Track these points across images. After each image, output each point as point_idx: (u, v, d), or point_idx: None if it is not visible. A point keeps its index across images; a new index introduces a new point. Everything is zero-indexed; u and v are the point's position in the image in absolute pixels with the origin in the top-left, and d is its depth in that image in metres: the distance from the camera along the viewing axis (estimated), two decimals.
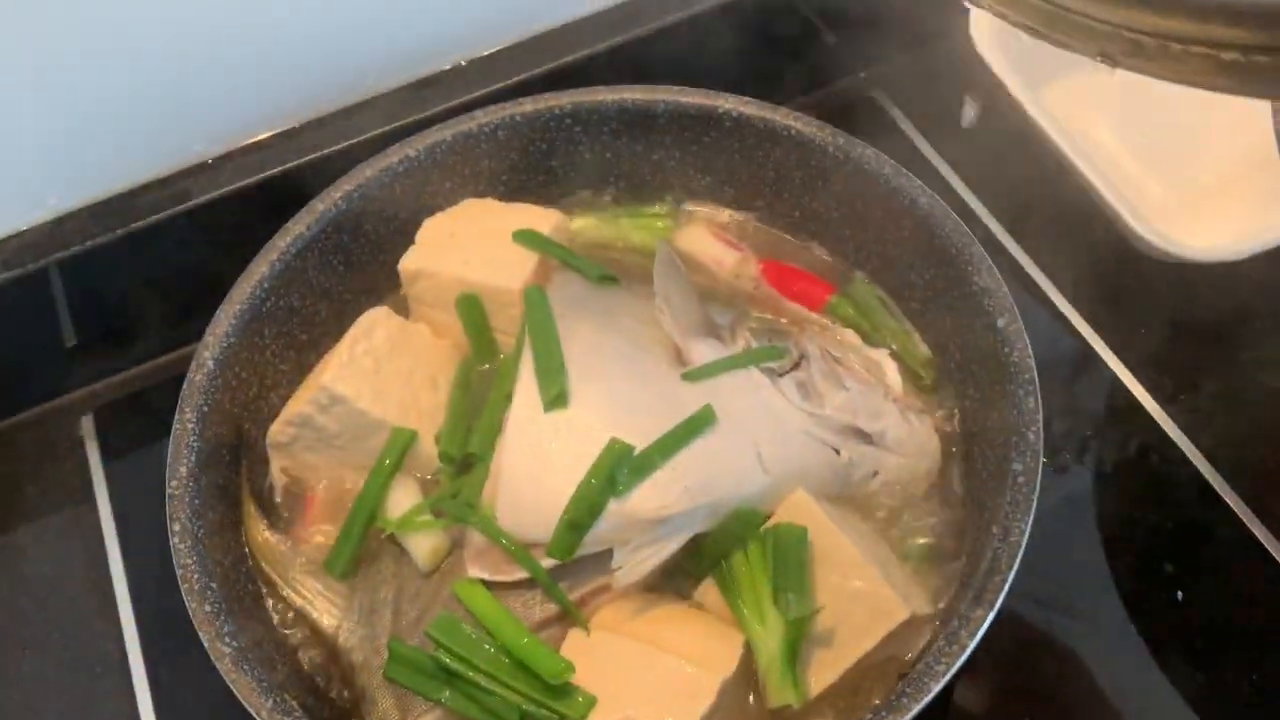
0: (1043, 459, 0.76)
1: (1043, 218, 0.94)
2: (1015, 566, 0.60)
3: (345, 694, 0.67)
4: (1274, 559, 0.76)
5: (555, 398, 0.67)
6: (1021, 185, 0.94)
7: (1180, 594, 0.75)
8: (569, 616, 0.66)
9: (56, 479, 0.88)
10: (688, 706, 0.61)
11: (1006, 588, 0.59)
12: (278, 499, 0.74)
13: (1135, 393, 0.85)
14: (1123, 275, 0.89)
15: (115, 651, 0.80)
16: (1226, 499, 0.79)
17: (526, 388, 0.68)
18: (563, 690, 0.62)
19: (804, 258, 0.83)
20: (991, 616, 0.58)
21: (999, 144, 0.94)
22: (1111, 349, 0.87)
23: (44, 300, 0.88)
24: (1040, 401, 0.65)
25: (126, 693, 0.78)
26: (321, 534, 0.73)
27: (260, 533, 0.72)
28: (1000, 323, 0.68)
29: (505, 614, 0.65)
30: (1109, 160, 0.93)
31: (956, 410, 0.74)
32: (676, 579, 0.68)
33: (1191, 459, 0.81)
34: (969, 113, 0.57)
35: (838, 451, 0.69)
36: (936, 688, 0.56)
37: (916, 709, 0.56)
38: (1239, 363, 0.86)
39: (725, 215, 0.85)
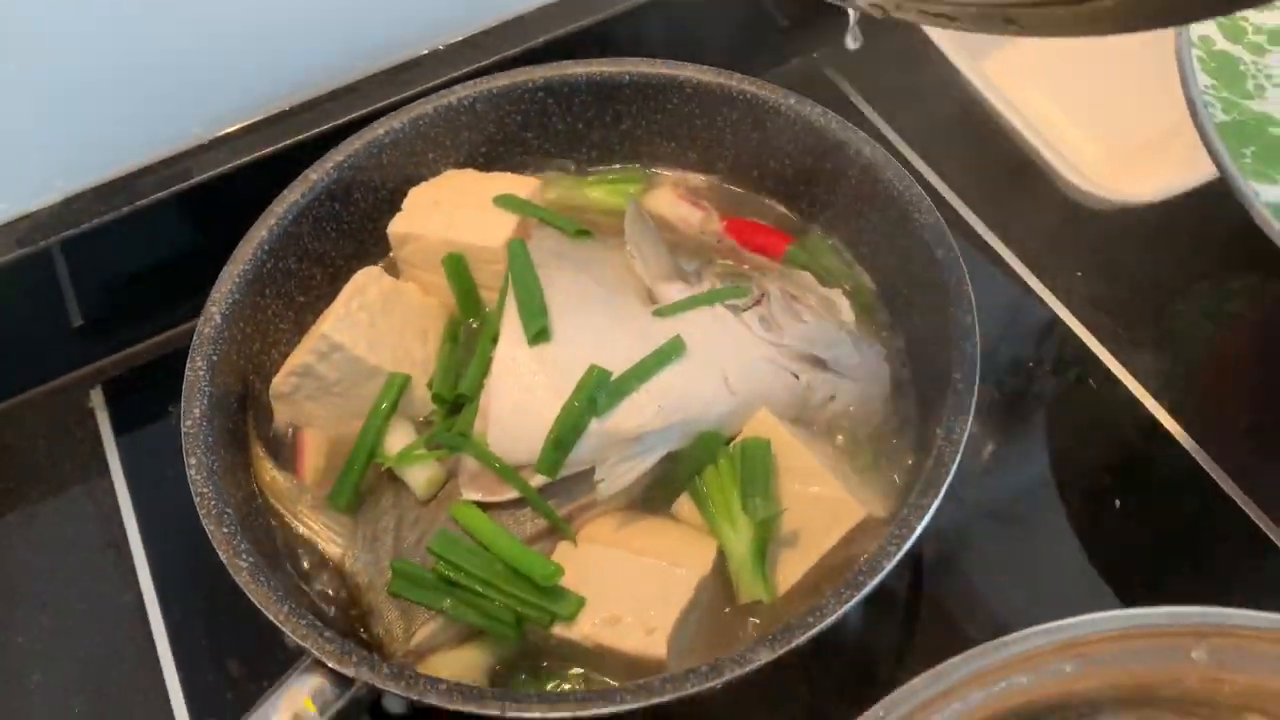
0: (993, 390, 0.84)
1: (986, 178, 1.01)
2: (958, 459, 0.66)
3: (352, 612, 0.73)
4: (1202, 469, 0.83)
5: (538, 333, 0.73)
6: (966, 150, 1.02)
7: (1118, 502, 0.82)
8: (558, 531, 0.72)
9: (69, 448, 0.93)
10: (668, 602, 0.67)
11: (950, 477, 0.65)
12: (283, 445, 0.80)
13: (1075, 329, 0.91)
14: (1061, 225, 0.96)
15: (133, 602, 0.85)
16: (1162, 421, 0.86)
17: (511, 327, 0.74)
18: (554, 593, 0.68)
19: (764, 214, 0.89)
20: (937, 503, 0.65)
21: (946, 114, 1.02)
22: (1051, 291, 0.94)
23: (50, 281, 0.94)
24: (976, 319, 0.72)
25: (146, 640, 0.83)
26: (324, 476, 0.79)
27: (268, 472, 0.77)
28: (939, 253, 0.75)
29: (499, 529, 0.71)
30: (1046, 122, 1.00)
31: (904, 339, 0.80)
32: (655, 497, 0.74)
33: (1125, 383, 0.87)
34: (850, 41, 0.64)
35: (797, 376, 0.76)
36: (889, 565, 0.62)
37: (873, 583, 0.62)
38: (1170, 300, 0.93)
39: (690, 179, 0.91)
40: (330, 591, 0.74)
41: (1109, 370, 0.89)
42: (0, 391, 0.96)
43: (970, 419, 0.68)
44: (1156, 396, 0.87)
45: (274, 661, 0.70)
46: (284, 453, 0.80)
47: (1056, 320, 0.92)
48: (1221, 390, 0.89)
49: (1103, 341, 0.89)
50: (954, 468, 0.66)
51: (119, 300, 0.97)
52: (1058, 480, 0.84)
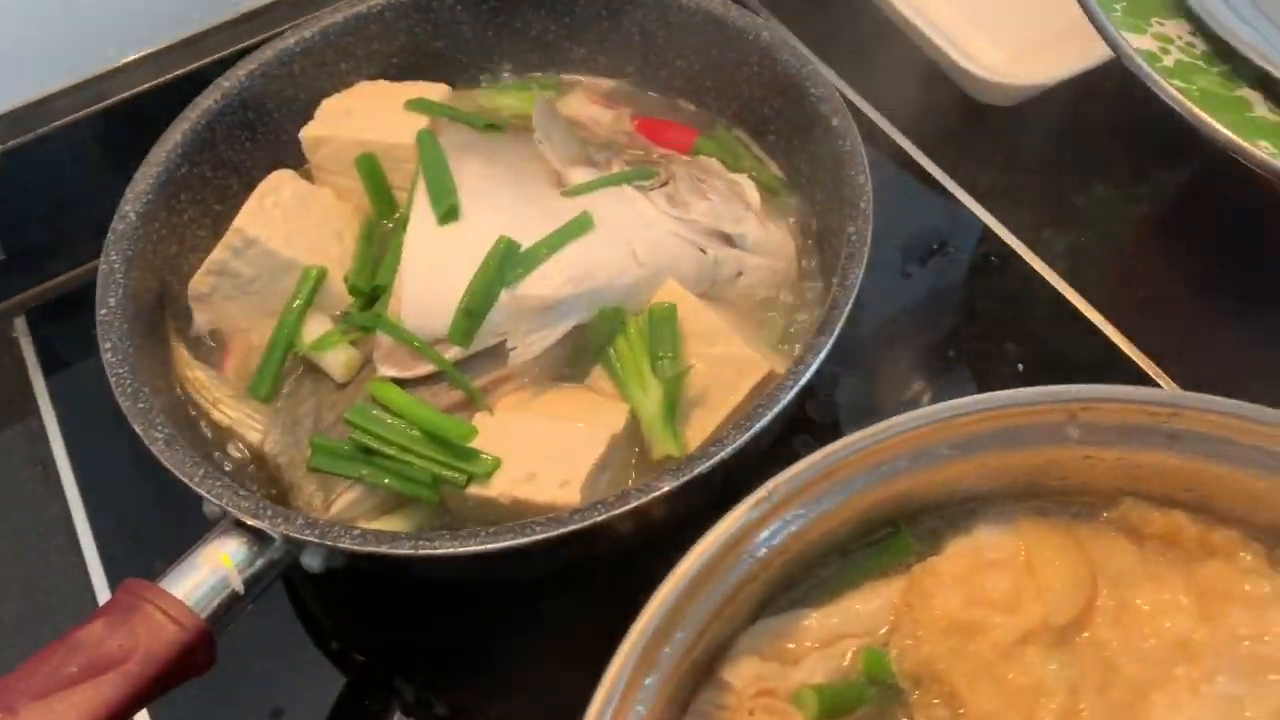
0: (904, 277, 0.87)
1: (893, 81, 1.04)
2: (850, 303, 0.68)
3: (272, 491, 0.74)
4: (1102, 332, 0.86)
5: (447, 211, 0.74)
6: (875, 58, 1.05)
7: (1020, 366, 0.85)
8: (473, 402, 0.73)
9: None
10: (581, 457, 0.69)
11: (844, 319, 0.68)
12: (204, 347, 0.81)
13: (978, 213, 0.95)
14: (965, 122, 1.00)
15: (59, 514, 0.85)
16: (1062, 290, 0.89)
17: (421, 209, 0.76)
18: (470, 454, 0.69)
19: (676, 113, 0.92)
20: (831, 342, 0.67)
21: (850, 21, 1.06)
22: (958, 183, 0.97)
23: None
24: (869, 177, 0.74)
25: (74, 551, 0.83)
26: (246, 372, 0.80)
27: (190, 369, 0.78)
28: (835, 122, 0.78)
29: (414, 400, 0.72)
30: (947, 23, 1.03)
31: (809, 218, 0.83)
32: (568, 372, 0.76)
33: (1027, 259, 0.91)
34: None
35: (704, 251, 0.78)
36: (786, 398, 0.64)
37: (771, 414, 0.64)
38: (1070, 186, 0.96)
39: (603, 84, 0.94)
40: (250, 476, 0.75)
41: (1014, 251, 0.92)
42: None
43: (863, 268, 0.70)
44: (1061, 272, 0.90)
45: None
46: (206, 355, 0.81)
47: (963, 209, 0.95)
48: (1120, 264, 0.93)
49: (1008, 226, 0.92)
50: (846, 311, 0.68)
51: (38, 231, 0.97)
52: (967, 350, 0.87)
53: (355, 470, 0.71)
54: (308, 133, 0.85)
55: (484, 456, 0.69)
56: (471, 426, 0.69)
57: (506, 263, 0.72)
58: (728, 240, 0.79)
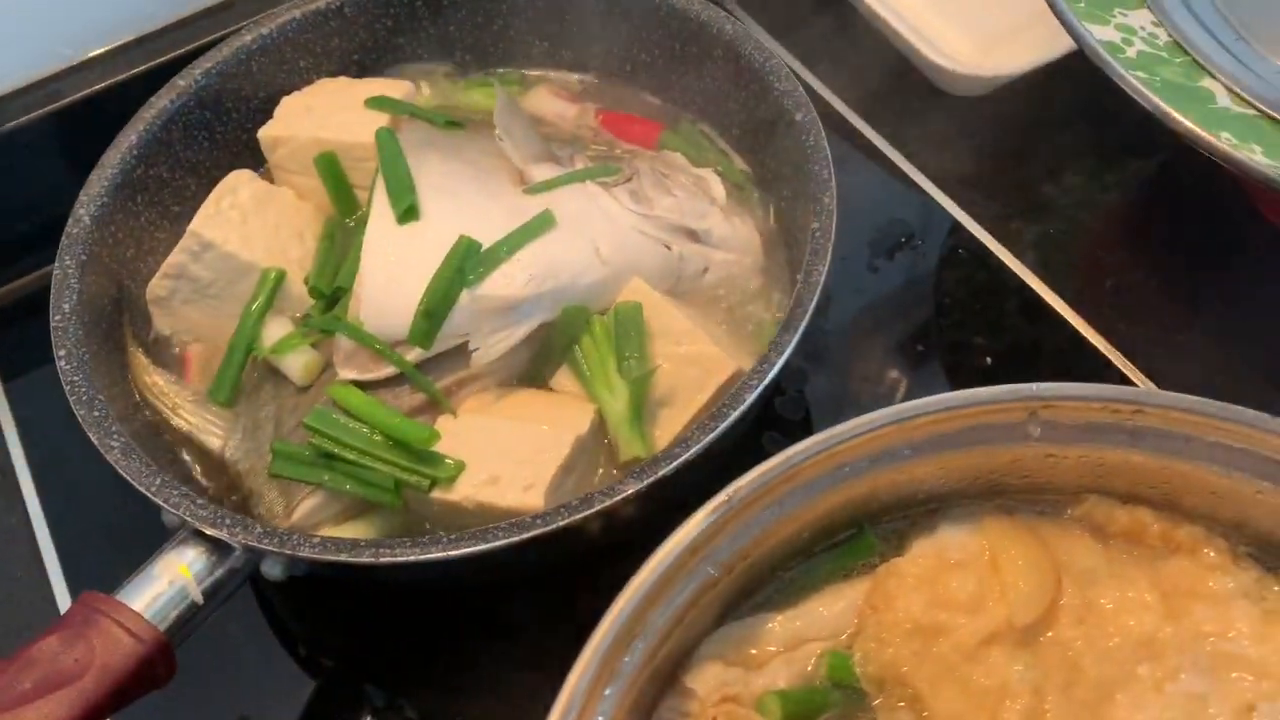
0: (873, 270, 0.86)
1: (860, 73, 1.03)
2: (816, 299, 0.68)
3: (232, 498, 0.73)
4: (1071, 324, 0.86)
5: (406, 210, 0.73)
6: (842, 50, 1.05)
7: (989, 359, 0.84)
8: (437, 405, 0.72)
9: None
10: (545, 460, 0.68)
11: (809, 315, 0.67)
12: (164, 351, 0.80)
13: (945, 205, 0.94)
14: (932, 114, 0.99)
15: (18, 523, 0.84)
16: (1030, 283, 0.89)
17: (380, 208, 0.75)
18: (433, 458, 0.69)
19: (638, 107, 0.91)
20: (796, 340, 0.66)
21: (817, 13, 1.05)
22: (924, 174, 0.97)
23: None
24: (833, 174, 0.74)
25: (34, 558, 0.82)
26: (206, 378, 0.79)
27: (148, 374, 0.77)
28: (798, 116, 0.77)
29: (374, 403, 0.71)
30: (914, 14, 1.03)
31: (773, 212, 0.82)
32: (533, 373, 0.75)
33: (995, 251, 0.90)
34: None
35: (669, 247, 0.77)
36: (750, 397, 0.64)
37: (735, 414, 0.63)
38: (1036, 178, 0.96)
39: (566, 78, 0.92)
40: (209, 483, 0.74)
41: (982, 243, 0.91)
42: None
43: (827, 265, 0.69)
44: (1029, 264, 0.89)
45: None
46: (166, 360, 0.80)
47: (931, 201, 0.95)
48: (1088, 256, 0.92)
49: (976, 219, 0.92)
50: (811, 308, 0.67)
51: None
52: (937, 344, 0.86)
53: (316, 476, 0.70)
54: (266, 132, 0.83)
55: (447, 460, 0.68)
56: (433, 430, 0.69)
57: (467, 262, 0.71)
58: (693, 236, 0.79)
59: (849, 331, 0.88)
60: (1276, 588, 0.54)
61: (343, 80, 0.88)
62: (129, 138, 0.80)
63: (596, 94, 0.92)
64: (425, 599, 0.77)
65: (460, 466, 0.69)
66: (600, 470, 0.72)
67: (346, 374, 0.72)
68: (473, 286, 0.71)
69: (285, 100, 0.85)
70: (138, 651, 0.58)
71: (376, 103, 0.84)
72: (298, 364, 0.75)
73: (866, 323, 0.89)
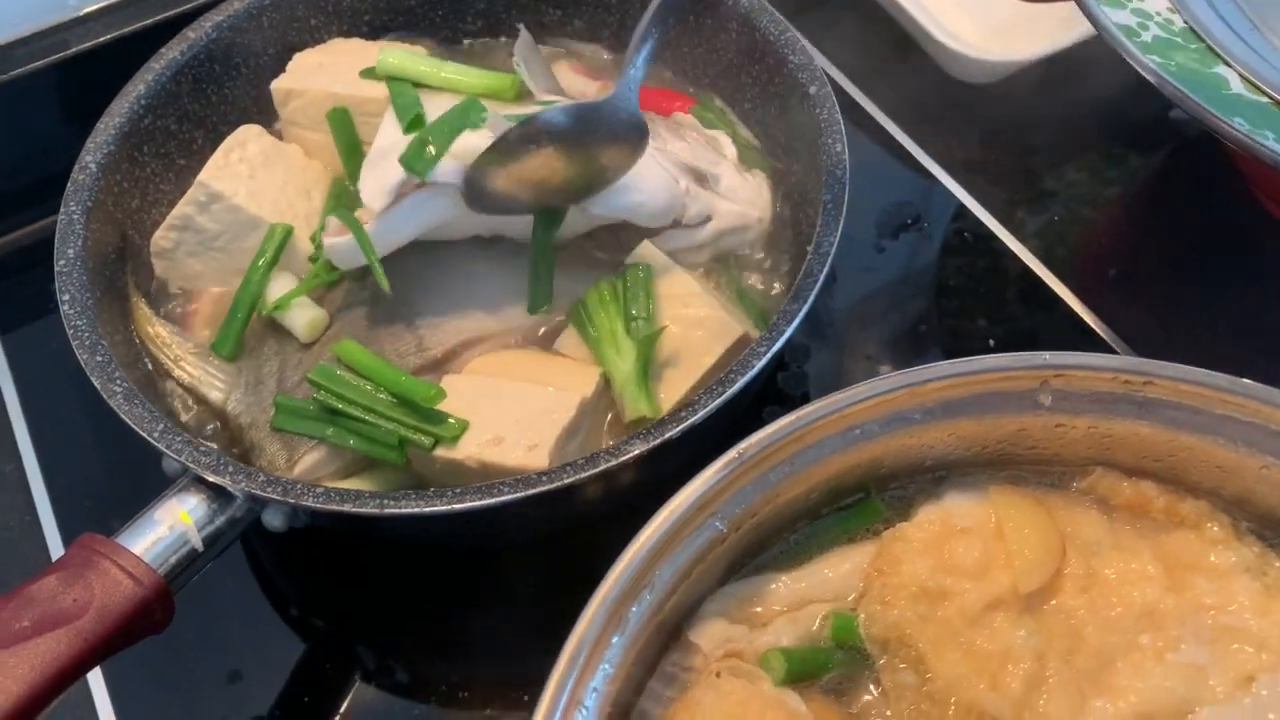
0: (879, 249, 0.86)
1: (871, 57, 1.04)
2: (826, 270, 0.68)
3: (234, 451, 0.72)
4: (1058, 296, 0.86)
5: (413, 120, 0.72)
6: (853, 33, 1.05)
7: (991, 342, 0.85)
8: (441, 365, 0.72)
9: None
10: (550, 420, 0.68)
11: (819, 286, 0.67)
12: (166, 303, 0.79)
13: (952, 189, 0.94)
14: (941, 98, 0.99)
15: (15, 476, 0.83)
16: (1034, 268, 0.89)
17: (388, 124, 0.73)
18: (437, 417, 0.68)
19: (652, 80, 0.90)
20: (805, 310, 0.66)
21: (837, 2, 1.05)
22: (931, 157, 0.97)
23: None
24: (846, 147, 0.74)
25: (31, 517, 0.81)
26: (210, 331, 0.78)
27: (150, 324, 0.77)
28: (812, 89, 0.77)
29: (379, 361, 0.71)
30: (929, 2, 1.03)
31: (785, 187, 0.82)
32: (537, 337, 0.75)
33: (1000, 236, 0.91)
34: None
35: (677, 181, 0.76)
36: (759, 364, 0.64)
37: (743, 380, 0.63)
38: (1040, 161, 0.96)
39: (578, 48, 0.92)
40: (211, 434, 0.74)
41: (987, 228, 0.92)
42: None
43: (838, 236, 0.70)
44: (1033, 250, 0.90)
45: None
46: (169, 312, 0.79)
47: (938, 185, 0.95)
48: (1091, 245, 0.93)
49: (982, 203, 0.92)
50: (822, 277, 0.68)
51: None
52: (939, 325, 0.87)
53: (320, 430, 0.69)
54: (279, 84, 0.83)
55: (451, 419, 0.68)
56: (439, 389, 0.68)
57: (470, 115, 0.70)
58: (702, 179, 0.78)
59: (852, 309, 0.88)
60: (1278, 563, 0.54)
61: (356, 41, 0.88)
62: (137, 88, 0.80)
63: (615, 71, 0.91)
64: (420, 561, 0.77)
65: (464, 426, 0.68)
66: (605, 435, 0.72)
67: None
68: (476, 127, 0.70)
69: (298, 55, 0.85)
70: (136, 594, 0.58)
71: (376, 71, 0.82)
72: (302, 320, 0.75)
73: (870, 302, 0.89)
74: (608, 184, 0.71)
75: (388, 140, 0.71)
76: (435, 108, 0.73)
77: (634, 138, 0.71)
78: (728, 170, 0.77)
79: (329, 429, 0.69)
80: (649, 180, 0.73)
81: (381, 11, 0.89)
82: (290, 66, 0.84)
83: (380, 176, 0.69)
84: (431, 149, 0.68)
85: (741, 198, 0.77)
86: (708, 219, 0.76)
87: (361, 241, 0.69)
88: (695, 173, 0.76)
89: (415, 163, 0.68)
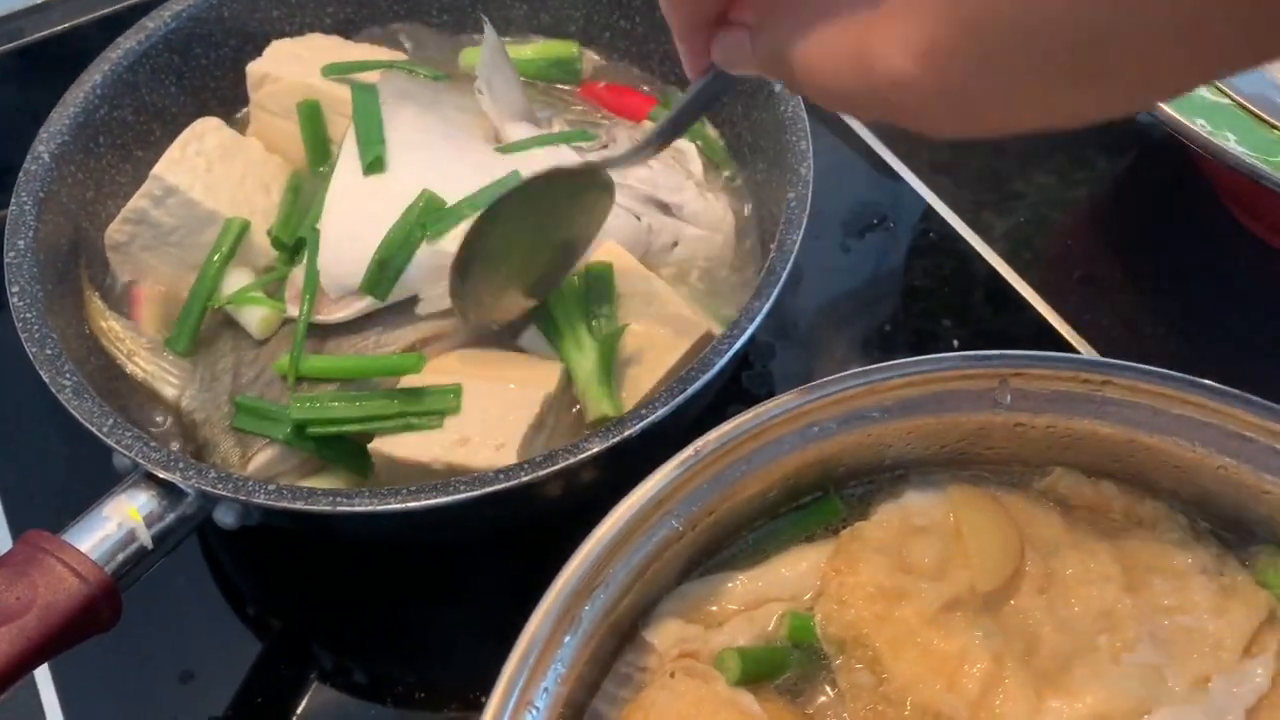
0: (845, 250, 0.86)
1: None
2: (788, 267, 0.67)
3: (187, 448, 0.71)
4: (1024, 298, 0.86)
5: (373, 162, 0.72)
6: None
7: (956, 343, 0.85)
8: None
9: None
10: (515, 419, 0.67)
11: (781, 283, 0.67)
12: (121, 297, 0.78)
13: (918, 190, 0.94)
14: None
15: None
16: (1000, 269, 0.89)
17: (348, 158, 0.73)
18: (427, 392, 0.67)
19: (619, 76, 0.90)
20: (767, 307, 0.66)
21: None
22: (897, 156, 0.97)
23: None
24: (811, 145, 0.73)
25: None
26: (162, 325, 0.77)
27: (104, 319, 0.75)
28: (777, 87, 0.76)
29: (349, 358, 0.70)
30: None
31: (749, 187, 0.82)
32: (500, 333, 0.74)
33: (966, 237, 0.91)
34: None
35: (639, 218, 0.76)
36: (720, 362, 0.63)
37: (704, 379, 0.62)
38: (1007, 163, 0.97)
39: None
40: (164, 431, 0.72)
41: (954, 229, 0.92)
42: None
43: (801, 233, 0.69)
44: (1000, 252, 0.90)
45: None
46: (122, 308, 0.78)
47: (904, 185, 0.95)
48: (1057, 247, 0.93)
49: (949, 204, 0.92)
50: (784, 274, 0.67)
51: None
52: (904, 326, 0.86)
53: (281, 431, 0.68)
54: (255, 67, 0.82)
55: (442, 390, 0.67)
56: (419, 356, 0.68)
57: (427, 217, 0.70)
58: (665, 208, 0.78)
59: (817, 308, 0.88)
60: (1234, 564, 0.54)
61: (336, 38, 0.87)
62: (93, 77, 0.78)
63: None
64: (378, 561, 0.76)
65: (457, 389, 0.67)
66: (570, 433, 0.71)
67: (293, 312, 0.71)
68: (434, 242, 0.70)
69: (276, 43, 0.84)
70: (82, 592, 0.56)
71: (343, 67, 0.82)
72: (255, 316, 0.74)
73: (836, 302, 0.89)
74: (588, 244, 0.70)
75: (348, 181, 0.71)
76: (400, 124, 0.73)
77: (604, 199, 0.67)
78: (691, 196, 0.77)
79: (287, 429, 0.68)
80: (613, 228, 0.72)
81: (345, 4, 0.88)
82: (268, 52, 0.83)
83: (346, 268, 0.69)
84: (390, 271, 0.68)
85: (706, 222, 0.77)
86: (674, 244, 0.76)
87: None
88: (658, 204, 0.76)
89: (375, 289, 0.69)
